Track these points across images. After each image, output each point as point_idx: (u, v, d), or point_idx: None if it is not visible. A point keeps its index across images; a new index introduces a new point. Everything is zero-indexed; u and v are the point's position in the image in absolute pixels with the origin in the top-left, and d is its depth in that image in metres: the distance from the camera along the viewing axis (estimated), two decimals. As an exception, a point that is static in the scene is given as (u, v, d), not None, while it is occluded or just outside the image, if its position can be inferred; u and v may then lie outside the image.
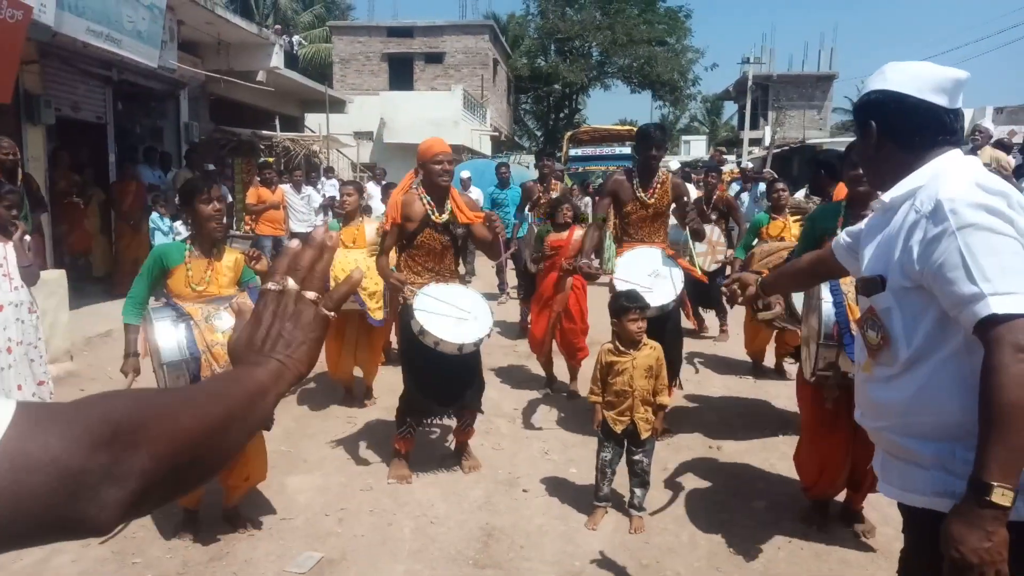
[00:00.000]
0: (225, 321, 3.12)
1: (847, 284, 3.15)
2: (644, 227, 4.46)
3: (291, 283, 0.78)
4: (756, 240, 5.84)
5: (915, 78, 1.61)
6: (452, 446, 4.29)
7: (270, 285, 0.78)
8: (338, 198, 9.42)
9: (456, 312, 3.61)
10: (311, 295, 0.78)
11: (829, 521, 3.45)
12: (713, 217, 7.28)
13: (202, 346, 3.08)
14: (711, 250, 6.85)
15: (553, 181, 7.69)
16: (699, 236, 5.37)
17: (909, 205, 1.56)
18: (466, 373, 3.87)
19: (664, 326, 4.16)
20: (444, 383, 3.81)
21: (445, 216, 3.82)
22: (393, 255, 4.05)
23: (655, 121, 35.05)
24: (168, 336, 3.01)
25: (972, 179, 1.48)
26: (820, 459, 3.38)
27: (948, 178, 1.52)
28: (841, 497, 3.53)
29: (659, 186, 4.43)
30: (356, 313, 5.00)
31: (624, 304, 3.38)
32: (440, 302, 3.64)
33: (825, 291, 3.22)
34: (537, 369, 6.09)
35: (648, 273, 4.22)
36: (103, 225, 9.11)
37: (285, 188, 9.83)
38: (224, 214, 3.44)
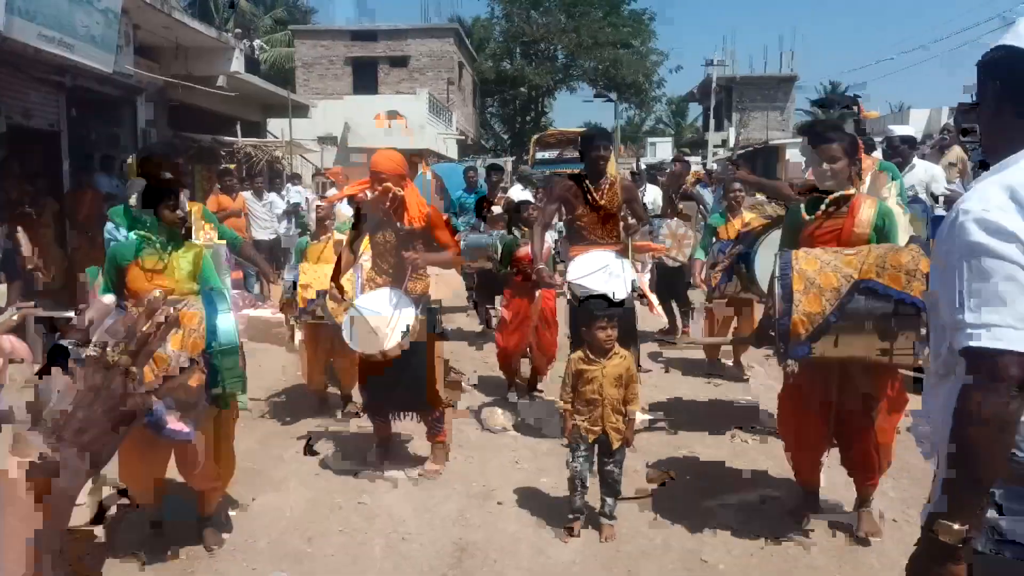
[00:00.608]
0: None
1: (801, 259, 3.03)
2: (597, 229, 4.46)
3: (123, 357, 0.64)
4: (713, 240, 5.85)
5: None
6: (423, 454, 4.24)
7: (90, 351, 0.64)
8: (303, 205, 9.17)
9: (374, 321, 3.79)
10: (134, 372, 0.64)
11: (807, 522, 3.47)
12: (681, 206, 7.27)
13: None
14: (676, 244, 6.79)
15: (499, 196, 7.82)
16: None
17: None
18: (396, 375, 3.90)
19: (620, 325, 4.16)
20: (382, 384, 3.97)
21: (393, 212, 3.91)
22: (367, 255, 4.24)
23: (621, 123, 35.50)
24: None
25: (1012, 185, 1.32)
26: (794, 437, 3.43)
27: (994, 178, 1.36)
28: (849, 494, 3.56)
29: (608, 187, 4.45)
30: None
31: (593, 312, 3.36)
32: (369, 309, 3.84)
33: (777, 266, 3.11)
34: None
35: (601, 270, 4.23)
36: (57, 236, 8.84)
37: (246, 195, 9.66)
38: (186, 221, 3.44)
